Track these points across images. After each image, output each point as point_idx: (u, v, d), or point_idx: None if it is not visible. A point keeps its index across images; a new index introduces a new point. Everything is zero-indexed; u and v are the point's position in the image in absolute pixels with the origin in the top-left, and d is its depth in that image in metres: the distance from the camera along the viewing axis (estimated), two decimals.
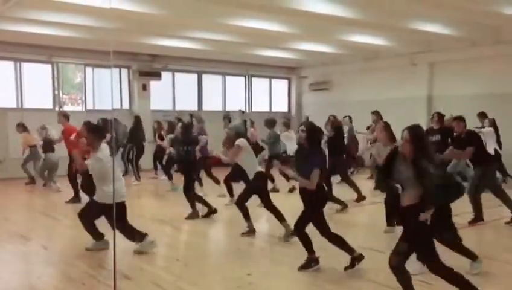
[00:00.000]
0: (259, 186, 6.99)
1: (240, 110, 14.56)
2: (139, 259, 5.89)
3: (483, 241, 6.93)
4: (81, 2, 9.02)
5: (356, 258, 5.30)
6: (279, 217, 6.83)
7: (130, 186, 11.83)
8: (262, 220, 7.87)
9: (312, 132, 5.49)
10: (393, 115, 10.73)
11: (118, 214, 5.82)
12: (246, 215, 7.01)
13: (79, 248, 6.26)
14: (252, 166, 7.09)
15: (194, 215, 8.19)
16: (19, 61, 14.00)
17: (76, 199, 9.51)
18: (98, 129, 6.39)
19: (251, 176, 7.02)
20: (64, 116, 10.04)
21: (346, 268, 5.29)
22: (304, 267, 5.34)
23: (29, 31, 11.50)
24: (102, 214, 5.97)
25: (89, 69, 15.05)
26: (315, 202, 5.35)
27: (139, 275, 5.23)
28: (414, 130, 3.99)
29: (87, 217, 6.17)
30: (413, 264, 4.88)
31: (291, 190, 10.45)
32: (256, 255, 6.29)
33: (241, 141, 7.16)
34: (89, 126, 6.52)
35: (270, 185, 9.10)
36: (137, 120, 12.95)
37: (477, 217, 7.53)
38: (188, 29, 12.22)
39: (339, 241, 5.36)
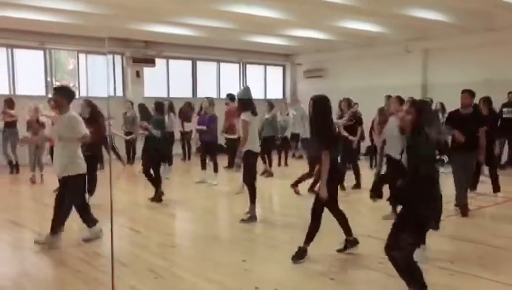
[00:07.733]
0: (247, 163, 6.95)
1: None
2: (133, 245, 5.92)
3: (472, 227, 6.94)
4: None
5: (350, 242, 5.37)
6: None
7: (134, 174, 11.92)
8: (257, 206, 7.87)
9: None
10: None
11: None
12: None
13: (72, 234, 6.19)
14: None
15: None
16: (11, 47, 13.87)
17: None
18: (67, 90, 6.14)
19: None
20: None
21: (339, 250, 5.38)
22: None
23: (22, 17, 11.37)
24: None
25: (82, 56, 14.95)
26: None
27: (134, 262, 5.25)
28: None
29: (79, 200, 6.04)
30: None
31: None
32: (250, 241, 6.31)
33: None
34: (58, 87, 6.56)
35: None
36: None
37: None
38: (182, 16, 12.12)
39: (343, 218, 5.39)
